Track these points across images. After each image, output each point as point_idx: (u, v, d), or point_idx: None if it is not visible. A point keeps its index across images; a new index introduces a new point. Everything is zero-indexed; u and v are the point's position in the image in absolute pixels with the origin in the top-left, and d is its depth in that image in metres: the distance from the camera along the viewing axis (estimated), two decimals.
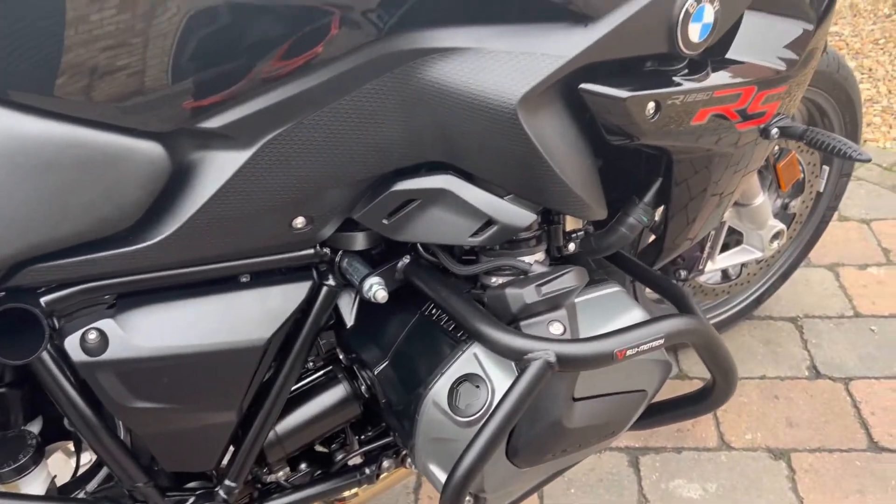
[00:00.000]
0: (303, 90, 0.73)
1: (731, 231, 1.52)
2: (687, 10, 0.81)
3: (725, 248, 1.53)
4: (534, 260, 0.91)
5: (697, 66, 0.88)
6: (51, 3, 0.63)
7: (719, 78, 0.89)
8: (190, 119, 0.70)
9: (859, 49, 3.06)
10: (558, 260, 0.98)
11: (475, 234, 0.84)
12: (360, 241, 0.91)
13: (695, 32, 0.83)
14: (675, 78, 0.86)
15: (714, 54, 0.92)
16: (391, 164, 0.81)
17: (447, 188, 0.82)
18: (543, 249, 0.93)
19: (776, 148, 1.37)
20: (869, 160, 0.96)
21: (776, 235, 1.51)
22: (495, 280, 0.92)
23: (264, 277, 0.89)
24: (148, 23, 0.65)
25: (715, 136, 0.93)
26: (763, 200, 1.41)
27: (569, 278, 0.86)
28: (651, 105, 0.83)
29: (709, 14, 0.83)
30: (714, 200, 1.06)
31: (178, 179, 0.74)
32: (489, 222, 0.83)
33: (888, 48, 3.06)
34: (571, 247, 0.95)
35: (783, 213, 1.63)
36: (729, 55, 0.93)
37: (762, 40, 0.95)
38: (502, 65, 0.75)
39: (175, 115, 0.70)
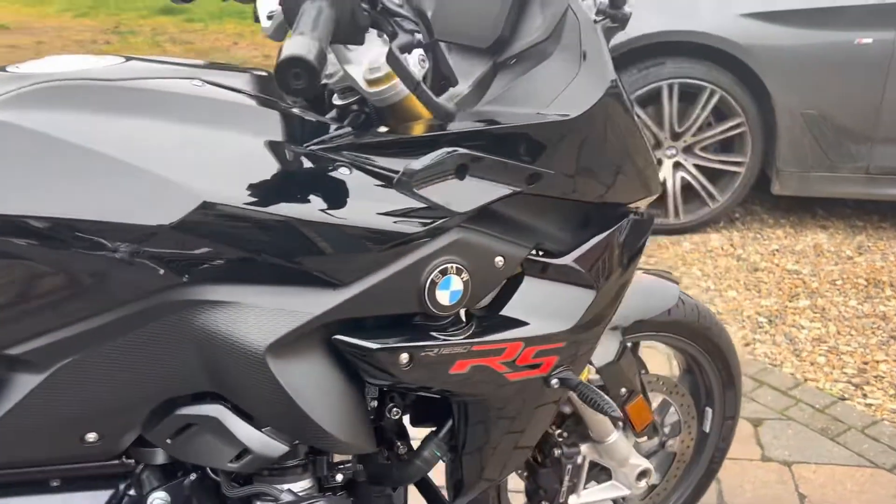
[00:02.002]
0: (94, 326, 0.89)
1: None
2: (432, 280, 0.96)
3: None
4: (300, 488, 1.01)
5: (459, 322, 1.03)
6: None
7: (480, 334, 1.03)
8: None
9: (816, 288, 3.18)
10: (342, 487, 1.08)
11: (234, 460, 0.95)
12: (159, 456, 1.03)
13: (444, 298, 0.98)
14: (432, 332, 1.00)
15: (494, 308, 1.06)
16: (173, 392, 0.95)
17: (216, 416, 0.95)
18: (310, 478, 1.03)
19: (622, 391, 1.46)
20: (619, 417, 1.06)
21: (642, 474, 1.56)
22: None
23: (73, 483, 1.01)
24: None
25: (483, 383, 1.05)
26: (616, 438, 1.48)
27: None
28: (404, 356, 0.97)
29: (457, 283, 0.98)
30: (509, 441, 1.15)
31: None
32: (246, 450, 0.95)
33: (845, 289, 3.17)
34: (339, 477, 1.05)
35: (663, 452, 1.69)
36: (503, 312, 1.07)
37: (538, 302, 1.10)
38: (257, 317, 0.90)
39: None
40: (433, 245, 0.96)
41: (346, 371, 0.98)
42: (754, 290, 3.17)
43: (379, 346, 0.95)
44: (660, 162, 3.55)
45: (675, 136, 3.54)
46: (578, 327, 1.12)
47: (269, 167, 0.92)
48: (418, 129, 1.00)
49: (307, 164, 0.94)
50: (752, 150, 3.52)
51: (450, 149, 0.95)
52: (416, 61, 0.98)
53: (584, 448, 1.50)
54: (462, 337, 1.01)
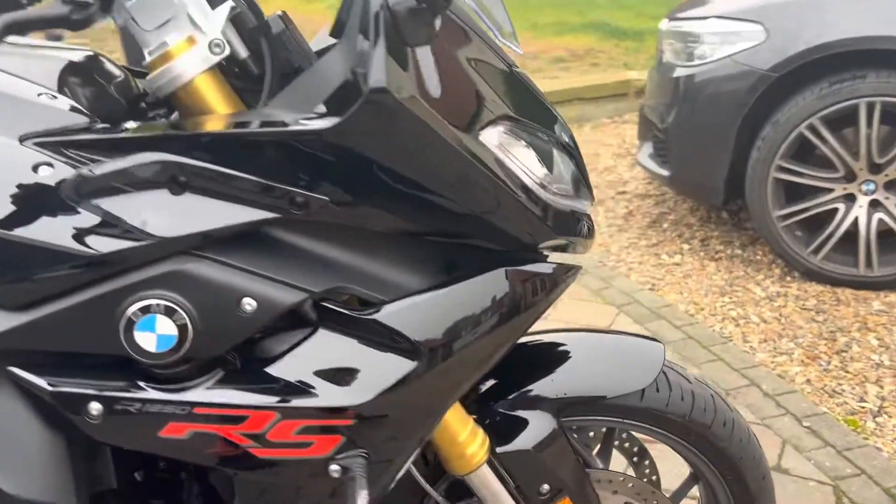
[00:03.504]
0: None
1: None
2: (129, 319, 0.77)
3: None
4: None
5: (188, 372, 0.81)
6: None
7: (206, 395, 0.81)
8: None
9: None
10: None
11: None
12: None
13: (148, 342, 0.78)
14: (139, 381, 0.80)
15: (259, 364, 0.84)
16: None
17: None
18: None
19: (543, 487, 1.12)
20: None
21: None
22: None
23: None
24: None
25: (220, 456, 0.83)
26: None
27: None
28: (95, 405, 0.79)
29: (166, 326, 0.77)
30: None
31: None
32: None
33: None
34: None
35: None
36: (269, 370, 0.84)
37: (326, 365, 0.85)
38: None
39: None
40: (135, 276, 0.77)
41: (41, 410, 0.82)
42: None
43: (57, 388, 0.78)
44: (852, 198, 2.89)
45: (875, 169, 2.85)
46: (376, 404, 0.85)
47: None
48: (195, 126, 0.82)
49: (4, 157, 0.79)
50: None
51: (151, 154, 0.75)
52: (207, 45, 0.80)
53: None
54: (177, 394, 0.80)
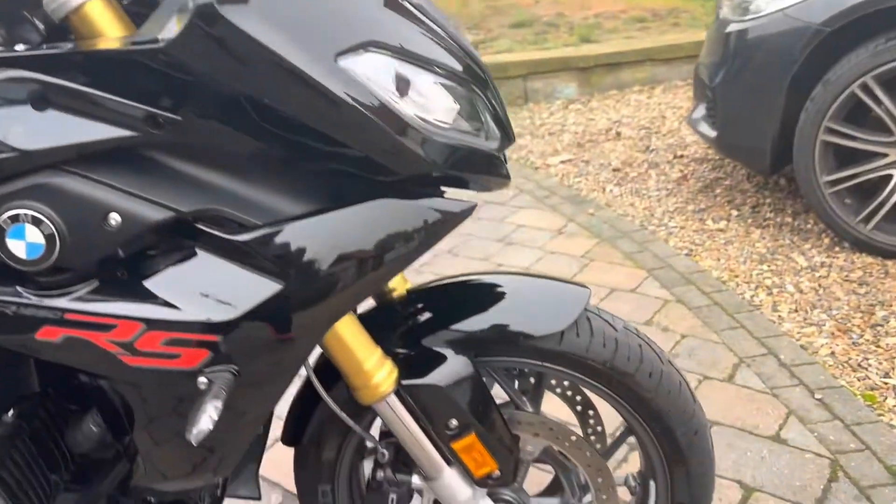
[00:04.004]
0: None
1: None
2: (0, 227, 0.83)
3: None
4: None
5: (63, 280, 0.87)
6: None
7: (82, 301, 0.87)
8: None
9: None
10: None
11: None
12: None
13: (18, 249, 0.84)
14: (18, 286, 0.87)
15: (132, 276, 0.89)
16: None
17: None
18: None
19: (452, 422, 1.13)
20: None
21: None
22: None
23: None
24: None
25: (92, 361, 0.89)
26: (449, 479, 1.17)
27: None
28: None
29: (34, 235, 0.83)
30: (166, 439, 0.97)
31: None
32: None
33: None
34: None
35: None
36: (143, 283, 0.89)
37: (195, 282, 0.89)
38: None
39: None
40: (4, 188, 0.83)
41: None
42: None
43: None
44: None
45: None
46: (242, 323, 0.89)
47: None
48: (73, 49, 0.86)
49: None
50: None
51: (13, 72, 0.80)
52: None
53: (416, 480, 1.22)
54: (50, 300, 0.86)
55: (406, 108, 0.89)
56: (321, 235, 0.91)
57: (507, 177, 1.06)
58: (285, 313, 0.91)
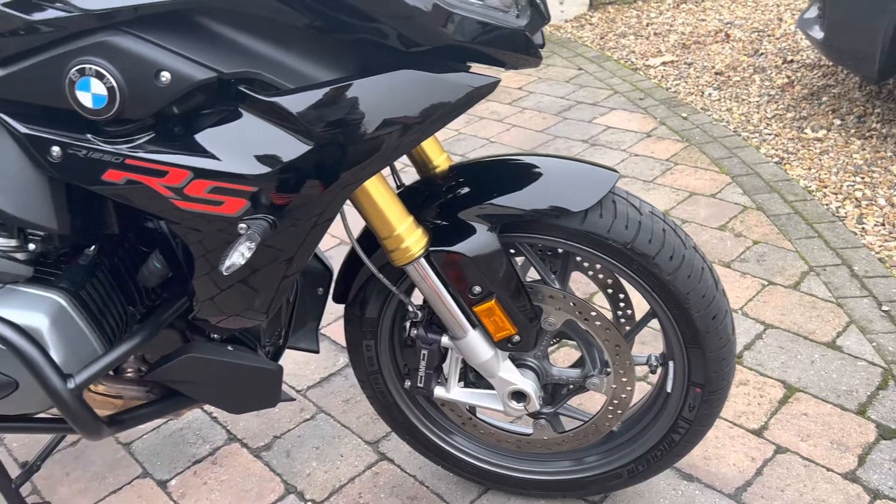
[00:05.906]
0: None
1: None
2: (70, 79, 0.96)
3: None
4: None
5: (125, 130, 1.00)
6: None
7: (140, 149, 1.00)
8: None
9: None
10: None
11: None
12: None
13: (86, 99, 0.97)
14: (88, 133, 1.00)
15: (185, 130, 1.01)
16: None
17: None
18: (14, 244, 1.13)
19: (475, 289, 1.22)
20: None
21: (518, 395, 1.32)
22: None
23: None
24: None
25: (147, 201, 1.02)
26: (471, 339, 1.27)
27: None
28: (56, 148, 1.00)
29: (98, 87, 0.96)
30: (205, 275, 1.11)
31: None
32: None
33: None
34: (31, 246, 1.13)
35: (583, 387, 1.38)
36: (193, 135, 1.01)
37: (237, 138, 1.00)
38: None
39: None
40: (73, 43, 0.95)
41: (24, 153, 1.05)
42: None
43: (29, 131, 1.00)
44: None
45: None
46: (273, 177, 1.00)
47: None
48: None
49: None
50: None
51: None
52: None
53: (445, 340, 1.33)
54: (114, 146, 1.00)
55: None
56: (349, 100, 0.99)
57: (539, 56, 1.10)
58: (315, 170, 1.01)
